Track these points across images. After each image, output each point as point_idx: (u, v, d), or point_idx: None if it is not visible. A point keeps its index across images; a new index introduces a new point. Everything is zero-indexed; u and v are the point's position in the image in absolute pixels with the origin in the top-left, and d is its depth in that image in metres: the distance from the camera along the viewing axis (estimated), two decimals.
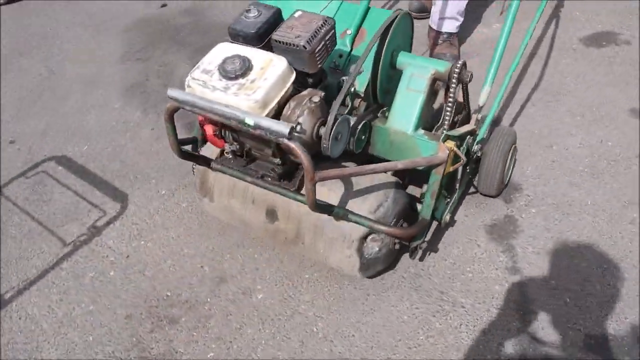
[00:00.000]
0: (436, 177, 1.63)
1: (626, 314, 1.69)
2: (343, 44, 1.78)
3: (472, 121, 1.82)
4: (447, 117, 1.71)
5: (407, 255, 1.90)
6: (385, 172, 1.59)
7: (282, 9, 1.60)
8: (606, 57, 2.71)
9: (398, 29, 1.70)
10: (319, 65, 1.54)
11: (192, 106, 1.43)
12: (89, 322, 1.78)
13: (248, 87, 1.43)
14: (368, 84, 1.72)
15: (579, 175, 2.14)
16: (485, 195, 2.06)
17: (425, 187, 1.72)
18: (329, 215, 1.60)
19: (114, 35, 3.12)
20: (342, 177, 1.63)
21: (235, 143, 1.60)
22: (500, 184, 1.98)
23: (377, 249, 1.70)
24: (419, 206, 1.76)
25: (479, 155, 1.91)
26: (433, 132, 1.77)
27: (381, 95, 1.76)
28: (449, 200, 1.81)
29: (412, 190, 1.94)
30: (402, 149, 1.72)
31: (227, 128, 1.57)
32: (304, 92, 1.54)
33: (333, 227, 1.65)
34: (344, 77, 1.69)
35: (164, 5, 3.33)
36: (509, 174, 2.08)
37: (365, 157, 1.80)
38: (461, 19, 2.65)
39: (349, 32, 1.81)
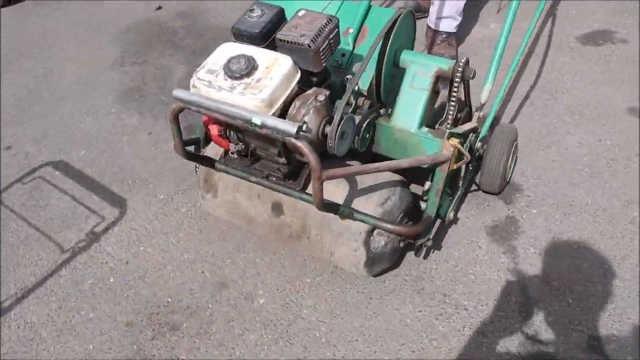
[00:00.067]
0: (441, 174, 1.63)
1: (629, 314, 1.69)
2: (345, 43, 1.78)
3: (474, 119, 1.83)
4: (450, 115, 1.72)
5: (408, 258, 1.89)
6: (390, 170, 1.59)
7: (284, 8, 1.60)
8: (603, 55, 2.71)
9: (401, 27, 1.70)
10: (324, 64, 1.54)
11: (198, 106, 1.43)
12: (89, 330, 1.76)
13: (254, 87, 1.43)
14: (371, 83, 1.73)
15: (579, 175, 2.14)
16: (487, 192, 2.06)
17: (427, 184, 1.73)
18: (335, 214, 1.60)
19: (111, 37, 3.10)
20: (349, 176, 1.64)
21: (240, 143, 1.60)
22: (502, 181, 1.99)
23: (384, 243, 1.70)
24: (421, 204, 1.77)
25: (481, 152, 1.92)
26: (437, 127, 1.78)
27: (384, 93, 1.76)
28: (451, 198, 1.81)
29: (413, 188, 1.94)
30: (406, 147, 1.73)
31: (232, 128, 1.57)
32: (309, 91, 1.54)
33: (340, 220, 1.66)
34: (348, 76, 1.70)
35: (159, 8, 3.30)
36: (511, 171, 2.08)
37: (368, 155, 1.81)
38: (459, 19, 2.64)
39: (350, 30, 1.81)
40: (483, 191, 2.06)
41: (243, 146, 1.60)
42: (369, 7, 1.86)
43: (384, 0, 3.17)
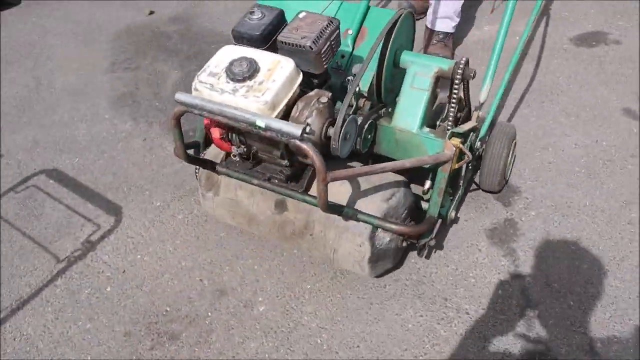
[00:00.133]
0: (443, 174, 1.64)
1: (630, 316, 1.69)
2: (345, 44, 1.79)
3: (474, 118, 1.83)
4: (451, 114, 1.72)
5: (408, 263, 1.89)
6: (394, 170, 1.59)
7: (283, 10, 1.60)
8: (597, 56, 2.73)
9: (401, 28, 1.71)
10: (325, 66, 1.54)
11: (201, 109, 1.43)
12: (86, 341, 1.73)
13: (257, 89, 1.43)
14: (371, 83, 1.73)
15: (576, 176, 2.14)
16: (487, 191, 2.06)
17: (427, 184, 1.75)
18: (339, 215, 1.61)
19: (102, 43, 3.07)
20: (353, 177, 1.64)
21: (242, 146, 1.59)
22: (502, 179, 1.99)
23: (388, 239, 1.70)
24: (422, 204, 1.78)
25: (480, 152, 1.92)
26: (438, 122, 1.79)
27: (385, 94, 1.76)
28: (452, 197, 1.81)
29: (413, 188, 1.93)
30: (408, 148, 1.73)
31: (234, 131, 1.57)
32: (311, 93, 1.54)
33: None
34: (348, 77, 1.71)
35: (151, 13, 3.28)
36: (510, 170, 2.09)
37: (370, 156, 1.81)
38: (457, 19, 2.66)
39: (350, 32, 1.82)
40: (483, 190, 2.06)
41: (245, 149, 1.60)
42: (368, 8, 1.86)
43: (379, 1, 3.17)
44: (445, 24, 2.65)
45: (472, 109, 1.90)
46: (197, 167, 1.89)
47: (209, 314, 1.78)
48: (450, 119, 1.72)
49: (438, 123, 1.82)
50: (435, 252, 1.91)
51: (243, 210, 1.81)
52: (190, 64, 2.86)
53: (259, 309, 1.78)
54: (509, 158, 1.99)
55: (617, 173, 2.14)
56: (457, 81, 1.68)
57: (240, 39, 1.55)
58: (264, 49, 1.53)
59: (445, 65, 1.70)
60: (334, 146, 1.49)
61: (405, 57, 1.75)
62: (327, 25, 1.50)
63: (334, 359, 1.65)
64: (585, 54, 2.74)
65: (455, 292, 1.79)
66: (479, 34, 2.94)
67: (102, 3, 3.40)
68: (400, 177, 1.75)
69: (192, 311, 1.79)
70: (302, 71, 1.52)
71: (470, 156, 1.68)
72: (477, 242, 1.94)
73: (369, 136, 1.71)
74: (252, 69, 1.44)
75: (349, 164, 1.80)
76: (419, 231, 1.64)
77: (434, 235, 1.73)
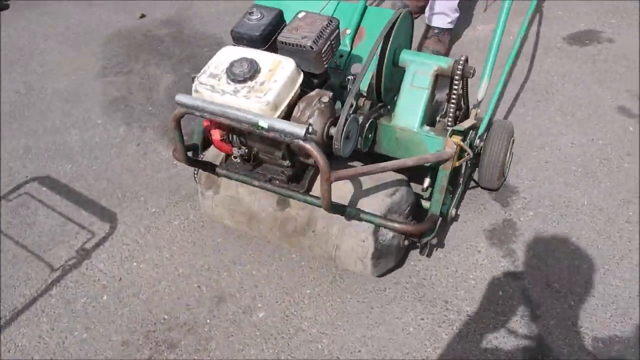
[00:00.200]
0: (444, 172, 1.64)
1: (630, 315, 1.69)
2: (343, 44, 1.79)
3: (472, 116, 1.83)
4: (451, 112, 1.72)
5: (407, 266, 1.87)
6: (396, 169, 1.58)
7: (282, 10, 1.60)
8: (590, 55, 2.73)
9: (400, 27, 1.70)
10: (326, 65, 1.54)
11: (202, 111, 1.42)
12: (83, 352, 1.70)
13: (258, 90, 1.42)
14: (370, 83, 1.72)
15: (573, 175, 2.14)
16: (485, 188, 2.06)
17: (426, 181, 1.76)
18: (342, 215, 1.60)
19: (93, 47, 3.03)
20: (356, 176, 1.63)
21: (243, 147, 1.58)
22: (500, 175, 2.00)
23: (391, 235, 1.69)
24: (422, 203, 1.79)
25: (479, 149, 1.93)
26: (438, 119, 1.79)
27: (384, 93, 1.76)
28: (452, 195, 1.81)
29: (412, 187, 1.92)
30: (409, 146, 1.73)
31: (235, 132, 1.56)
32: (312, 93, 1.53)
33: None
34: (349, 77, 1.70)
35: (143, 16, 3.24)
36: (508, 167, 2.09)
37: (370, 156, 1.80)
38: (453, 16, 2.71)
39: (348, 31, 1.82)
40: (482, 187, 2.06)
41: (246, 150, 1.59)
42: (365, 7, 1.86)
43: (372, 1, 3.16)
44: (441, 20, 2.71)
45: (470, 107, 1.90)
46: (195, 170, 1.87)
47: (208, 321, 1.76)
48: (450, 117, 1.72)
49: (438, 119, 1.82)
50: (435, 253, 1.90)
51: (244, 208, 1.79)
52: (183, 67, 2.83)
53: (259, 315, 1.76)
54: (507, 155, 1.99)
55: (614, 171, 2.14)
56: (456, 79, 1.68)
57: (240, 39, 1.54)
58: (264, 50, 1.52)
59: (445, 63, 1.70)
60: (336, 146, 1.48)
61: (405, 56, 1.75)
62: (327, 24, 1.50)
63: None
64: (579, 53, 2.75)
65: (455, 294, 1.78)
66: (473, 33, 2.94)
67: (92, 6, 3.37)
68: (400, 176, 1.75)
69: (190, 318, 1.77)
70: (302, 71, 1.51)
71: (472, 153, 1.68)
72: (476, 243, 1.93)
73: (370, 135, 1.70)
74: (253, 70, 1.43)
75: (349, 163, 1.79)
76: (421, 229, 1.64)
77: (435, 233, 1.72)
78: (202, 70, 1.49)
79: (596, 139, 2.28)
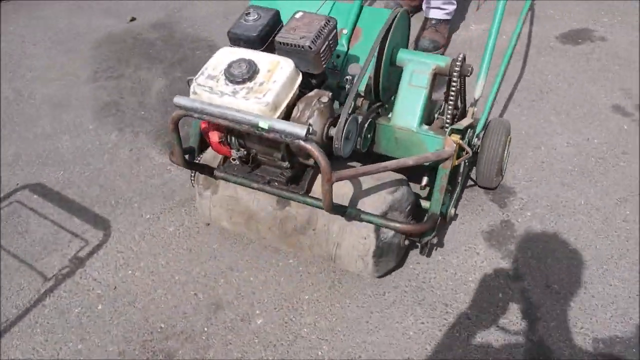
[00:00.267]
0: (444, 171, 1.63)
1: (631, 315, 1.69)
2: (340, 44, 1.78)
3: (469, 114, 1.83)
4: (449, 111, 1.71)
5: (406, 269, 1.86)
6: (397, 168, 1.57)
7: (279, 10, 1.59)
8: (583, 54, 2.73)
9: (397, 26, 1.69)
10: (324, 65, 1.53)
11: (201, 113, 1.40)
12: None
13: (257, 90, 1.40)
14: (367, 82, 1.71)
15: (570, 175, 2.14)
16: (483, 187, 2.06)
17: (424, 180, 1.76)
18: (342, 215, 1.59)
19: (83, 52, 2.99)
20: (357, 177, 1.62)
21: (242, 149, 1.57)
22: (498, 173, 1.99)
23: (392, 233, 1.68)
24: (422, 202, 1.78)
25: (477, 148, 1.92)
26: (437, 116, 1.79)
27: (382, 92, 1.75)
28: (450, 194, 1.81)
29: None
30: (408, 146, 1.72)
31: (234, 134, 1.54)
32: (311, 93, 1.52)
33: None
34: (347, 77, 1.69)
35: (133, 19, 3.21)
36: (505, 165, 2.09)
37: (368, 156, 1.80)
38: (448, 8, 2.75)
39: (344, 31, 1.81)
40: (479, 186, 2.05)
41: (245, 152, 1.57)
42: (361, 7, 1.85)
43: (365, 0, 3.14)
44: (436, 13, 2.77)
45: (467, 105, 1.89)
46: (192, 173, 1.85)
47: (206, 329, 1.73)
48: (448, 115, 1.71)
49: (436, 116, 1.81)
50: (433, 256, 1.89)
51: (242, 207, 1.77)
52: (174, 70, 2.80)
53: (257, 322, 1.74)
54: (505, 153, 1.99)
55: (610, 170, 2.14)
56: (454, 78, 1.67)
57: (237, 40, 1.53)
58: (262, 50, 1.51)
59: (443, 62, 1.69)
60: (336, 146, 1.47)
61: (402, 55, 1.74)
62: (324, 24, 1.49)
63: None
64: (572, 52, 2.75)
65: (455, 297, 1.77)
66: (466, 33, 2.94)
67: (81, 10, 3.32)
68: (400, 175, 1.74)
69: (187, 327, 1.74)
70: (300, 71, 1.50)
71: (471, 152, 1.68)
72: (474, 245, 1.92)
73: (369, 135, 1.70)
74: (252, 71, 1.42)
75: (348, 164, 1.78)
76: (422, 229, 1.63)
77: (435, 233, 1.71)
78: (199, 72, 1.47)
79: (591, 138, 2.28)
